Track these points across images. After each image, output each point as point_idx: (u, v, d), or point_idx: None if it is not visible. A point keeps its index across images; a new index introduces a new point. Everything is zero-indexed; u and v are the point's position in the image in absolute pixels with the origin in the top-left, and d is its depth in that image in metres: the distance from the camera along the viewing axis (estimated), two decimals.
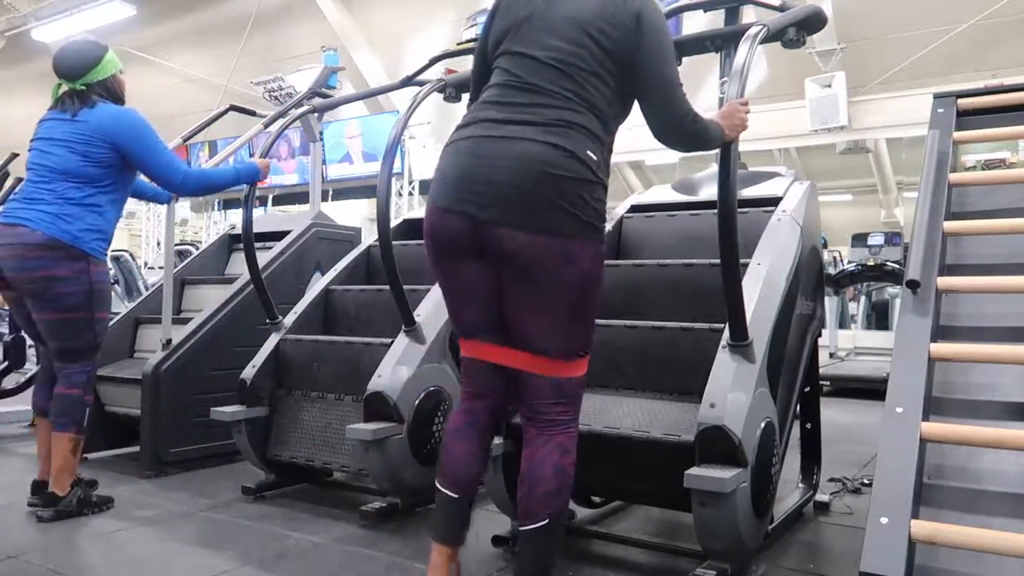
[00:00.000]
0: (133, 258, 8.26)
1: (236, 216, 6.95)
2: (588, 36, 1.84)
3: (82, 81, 2.91)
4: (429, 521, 2.84)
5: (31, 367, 4.97)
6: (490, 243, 1.80)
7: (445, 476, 1.95)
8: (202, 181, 3.07)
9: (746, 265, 2.44)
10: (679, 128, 1.90)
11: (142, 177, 3.12)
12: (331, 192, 11.69)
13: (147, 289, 6.45)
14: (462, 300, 1.94)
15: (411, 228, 3.84)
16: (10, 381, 4.80)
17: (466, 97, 3.18)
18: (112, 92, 2.97)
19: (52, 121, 2.92)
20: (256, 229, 3.62)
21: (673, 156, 11.09)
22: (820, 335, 2.95)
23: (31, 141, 2.94)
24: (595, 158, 1.81)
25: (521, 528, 1.84)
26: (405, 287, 2.87)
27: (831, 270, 8.48)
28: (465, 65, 3.53)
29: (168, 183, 2.99)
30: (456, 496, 1.93)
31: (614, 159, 2.00)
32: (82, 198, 2.82)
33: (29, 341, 4.58)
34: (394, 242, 2.90)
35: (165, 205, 3.73)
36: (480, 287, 1.89)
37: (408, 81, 3.59)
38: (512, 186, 1.75)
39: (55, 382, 2.94)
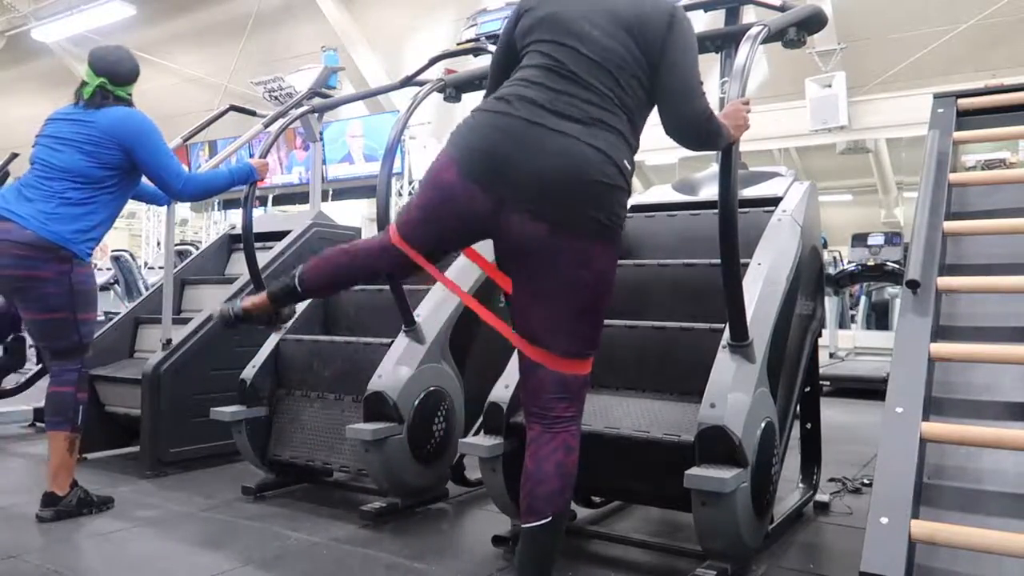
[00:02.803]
0: (133, 258, 8.26)
1: (236, 216, 6.94)
2: (627, 33, 1.83)
3: (119, 89, 2.94)
4: (429, 521, 2.85)
5: (31, 367, 4.97)
6: (510, 229, 1.78)
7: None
8: (199, 187, 3.08)
9: (746, 265, 2.44)
10: (697, 127, 1.88)
11: (143, 180, 3.13)
12: (331, 192, 11.68)
13: (147, 289, 6.45)
14: (434, 229, 1.87)
15: None
16: (10, 381, 4.80)
17: (466, 97, 3.19)
18: (128, 104, 2.99)
19: (61, 121, 2.91)
20: (256, 229, 3.62)
21: (673, 156, 11.09)
22: (820, 335, 2.95)
23: (37, 137, 2.94)
24: (629, 167, 1.83)
25: (523, 525, 1.84)
26: (405, 287, 2.87)
27: (831, 270, 8.47)
28: (465, 65, 3.54)
29: (168, 188, 3.00)
30: None
31: None
32: (81, 199, 2.82)
33: (29, 341, 4.58)
34: None
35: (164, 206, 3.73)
36: (460, 239, 1.93)
37: (408, 81, 3.59)
38: (557, 183, 1.74)
39: None
